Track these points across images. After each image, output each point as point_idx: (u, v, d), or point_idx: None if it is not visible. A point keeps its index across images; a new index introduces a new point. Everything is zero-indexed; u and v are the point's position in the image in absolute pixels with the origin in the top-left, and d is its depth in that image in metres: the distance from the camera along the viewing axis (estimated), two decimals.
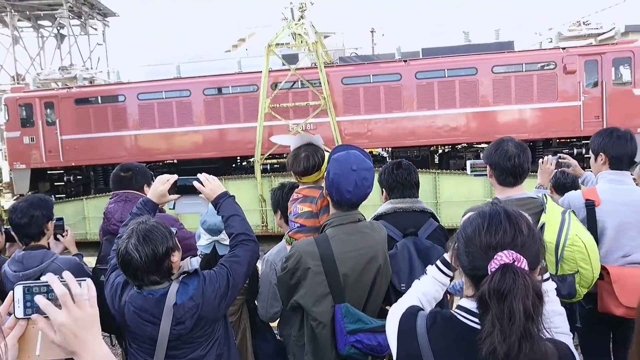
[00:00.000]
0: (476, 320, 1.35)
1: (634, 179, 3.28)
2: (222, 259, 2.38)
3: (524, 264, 1.28)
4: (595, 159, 3.16)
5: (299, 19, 13.75)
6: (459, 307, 1.44)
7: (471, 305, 1.39)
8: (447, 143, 12.98)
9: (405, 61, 12.68)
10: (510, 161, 2.64)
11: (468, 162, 12.22)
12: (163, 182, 2.48)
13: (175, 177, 2.50)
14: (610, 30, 12.63)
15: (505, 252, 1.29)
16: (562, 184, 4.13)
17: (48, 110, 14.01)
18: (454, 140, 12.78)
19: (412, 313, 1.49)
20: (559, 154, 3.63)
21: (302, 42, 13.96)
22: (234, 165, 14.21)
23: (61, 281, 1.07)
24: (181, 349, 2.13)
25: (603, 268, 2.75)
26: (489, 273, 1.28)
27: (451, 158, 13.10)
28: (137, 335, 2.14)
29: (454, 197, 11.90)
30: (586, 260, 2.55)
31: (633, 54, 11.86)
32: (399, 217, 2.77)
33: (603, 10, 12.98)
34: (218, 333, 2.26)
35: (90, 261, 3.50)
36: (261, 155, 12.52)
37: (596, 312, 2.95)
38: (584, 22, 12.70)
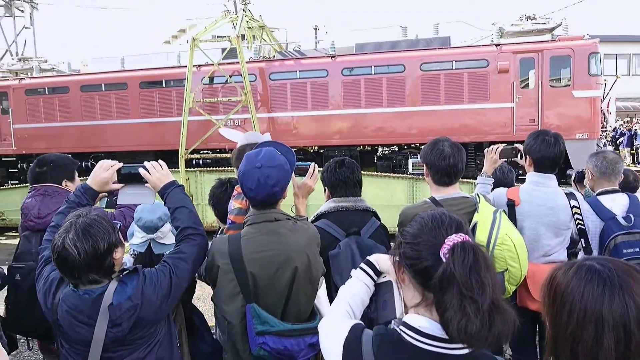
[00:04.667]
0: (426, 341, 1.29)
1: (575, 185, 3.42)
2: (165, 255, 2.23)
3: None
4: (525, 160, 3.22)
5: (244, 11, 13.53)
6: (405, 324, 1.35)
7: (419, 323, 1.32)
8: (371, 144, 12.41)
9: (332, 57, 12.18)
10: (445, 161, 2.71)
11: (410, 161, 11.70)
12: (105, 169, 2.30)
13: (120, 164, 2.34)
14: (558, 26, 11.52)
15: (454, 235, 1.29)
16: (502, 185, 4.05)
17: (2, 100, 14.60)
18: (379, 141, 12.19)
19: (356, 337, 1.39)
20: (516, 144, 3.60)
21: (247, 35, 13.74)
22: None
23: None
24: (118, 351, 1.98)
25: None
26: (443, 255, 1.26)
27: (378, 159, 12.50)
28: (69, 337, 1.99)
29: (376, 200, 11.32)
30: (515, 259, 2.58)
31: (573, 52, 10.81)
32: (341, 216, 2.76)
33: (559, 10, 11.82)
34: (160, 335, 2.10)
35: None
36: (185, 149, 12.47)
37: (521, 307, 3.02)
38: (528, 17, 11.64)
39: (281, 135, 12.29)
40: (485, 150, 3.49)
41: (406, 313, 1.43)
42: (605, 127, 13.47)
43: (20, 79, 14.72)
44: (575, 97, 10.86)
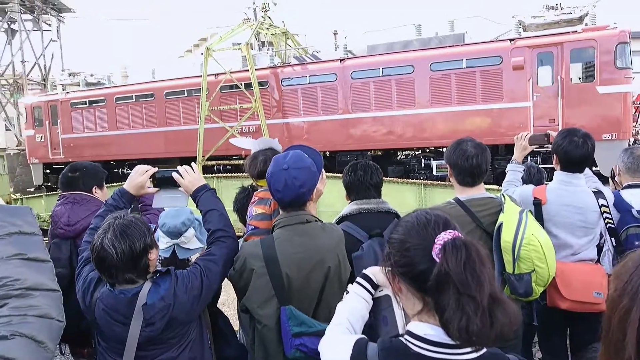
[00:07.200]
0: (433, 349, 1.26)
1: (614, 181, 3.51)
2: (197, 257, 2.31)
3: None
4: (553, 158, 3.22)
5: (264, 19, 13.67)
6: (409, 333, 1.32)
7: (424, 330, 1.29)
8: (381, 148, 11.97)
9: (341, 60, 11.94)
10: (469, 161, 2.72)
11: (434, 163, 11.49)
12: (141, 173, 2.40)
13: (154, 169, 2.43)
14: (585, 15, 10.40)
15: (442, 232, 1.26)
16: (528, 184, 4.09)
17: (53, 112, 15.94)
18: (389, 145, 11.74)
19: (361, 353, 1.35)
20: (548, 131, 3.57)
21: (265, 42, 13.86)
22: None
23: None
24: (152, 350, 2.05)
25: None
26: (435, 255, 1.23)
27: (390, 164, 12.04)
28: (106, 335, 2.07)
29: None
30: (542, 259, 2.57)
31: (597, 44, 9.74)
32: (364, 218, 2.79)
33: (584, 7, 10.64)
34: (192, 335, 2.16)
35: None
36: (202, 156, 12.84)
37: (551, 308, 3.02)
38: (551, 7, 10.61)
39: (294, 140, 12.25)
40: (515, 137, 3.47)
41: (408, 322, 1.37)
42: None
43: (67, 92, 15.98)
44: (600, 93, 9.78)
